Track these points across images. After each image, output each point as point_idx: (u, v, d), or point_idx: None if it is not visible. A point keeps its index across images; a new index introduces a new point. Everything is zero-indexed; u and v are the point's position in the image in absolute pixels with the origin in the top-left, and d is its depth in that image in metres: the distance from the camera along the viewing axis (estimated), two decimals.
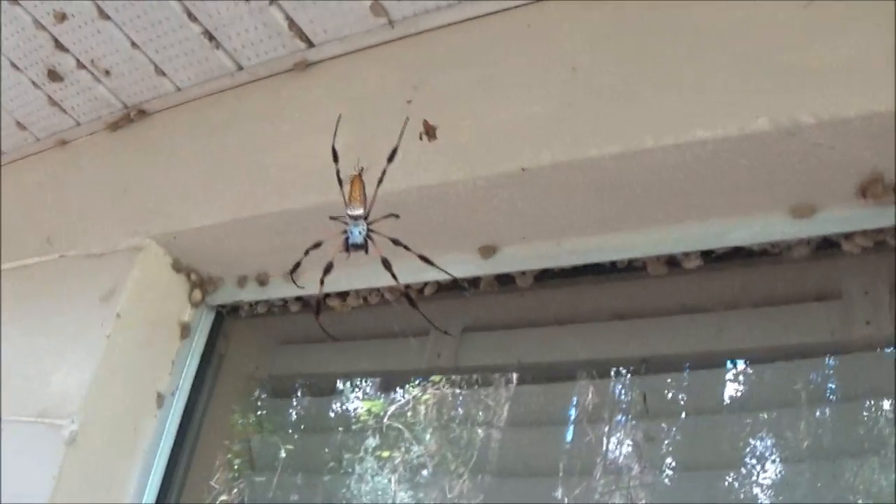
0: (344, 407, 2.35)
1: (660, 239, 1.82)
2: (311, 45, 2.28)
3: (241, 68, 2.40)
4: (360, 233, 1.60)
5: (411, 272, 2.05)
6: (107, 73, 2.52)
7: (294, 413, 2.43)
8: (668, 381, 1.88)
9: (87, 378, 2.14)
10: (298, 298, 2.33)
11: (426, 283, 2.11)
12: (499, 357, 2.10)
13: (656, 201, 1.76)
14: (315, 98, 2.26)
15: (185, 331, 2.36)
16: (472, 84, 1.95)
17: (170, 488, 2.27)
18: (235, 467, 2.36)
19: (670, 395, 1.88)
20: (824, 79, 1.53)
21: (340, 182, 1.64)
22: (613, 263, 1.90)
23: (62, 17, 2.39)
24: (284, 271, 2.27)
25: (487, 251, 1.99)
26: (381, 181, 1.61)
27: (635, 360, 1.92)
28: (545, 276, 2.00)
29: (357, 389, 2.35)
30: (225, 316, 2.47)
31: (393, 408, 2.22)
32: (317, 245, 1.66)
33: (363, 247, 1.60)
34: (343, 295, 2.24)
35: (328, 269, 1.62)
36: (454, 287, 2.06)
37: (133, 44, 2.41)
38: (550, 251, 1.93)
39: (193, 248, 2.31)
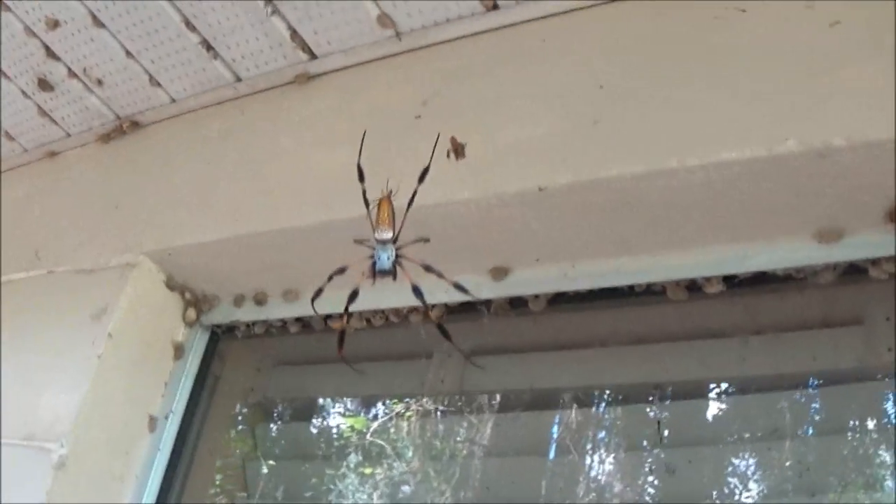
0: (341, 431, 2.27)
1: (680, 262, 1.76)
2: (313, 56, 2.21)
3: (239, 79, 2.33)
4: (388, 258, 1.51)
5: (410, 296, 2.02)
6: (99, 82, 2.44)
7: (291, 437, 2.34)
8: (688, 408, 1.82)
9: (78, 400, 2.05)
10: (298, 319, 2.25)
11: (433, 305, 2.04)
12: (507, 382, 2.03)
13: (678, 224, 1.70)
14: (317, 112, 2.20)
15: (179, 351, 2.28)
16: (486, 99, 1.89)
17: None
18: (231, 493, 2.28)
19: (689, 423, 1.81)
20: (855, 101, 1.48)
21: (367, 203, 1.55)
22: (631, 287, 1.84)
23: (55, 24, 2.32)
24: (284, 290, 2.21)
25: (499, 273, 1.93)
26: (411, 203, 1.53)
27: (649, 385, 1.86)
28: (559, 300, 1.93)
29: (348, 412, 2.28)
30: (220, 336, 2.39)
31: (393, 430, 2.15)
32: (341, 270, 1.58)
33: (391, 273, 1.51)
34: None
35: (353, 297, 1.53)
36: (462, 310, 1.99)
37: (128, 53, 2.34)
38: (565, 274, 1.87)
39: (188, 265, 2.23)
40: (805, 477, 1.64)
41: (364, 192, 1.55)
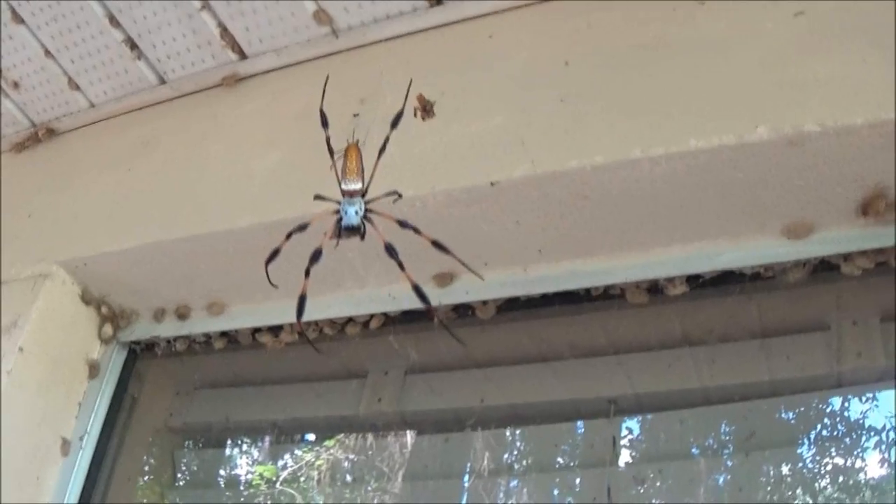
0: (274, 458, 2.13)
1: (641, 262, 1.68)
2: (243, 56, 2.10)
3: (164, 82, 2.21)
4: (356, 213, 1.35)
5: (352, 304, 1.90)
6: (16, 85, 2.29)
7: (215, 466, 2.19)
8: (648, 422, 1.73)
9: None
10: (223, 334, 2.11)
11: (372, 316, 1.92)
12: (453, 400, 1.91)
13: (639, 220, 1.62)
14: (247, 115, 2.09)
15: (94, 370, 2.12)
16: (431, 95, 1.78)
17: None
18: None
19: (650, 437, 1.72)
20: (827, 87, 1.45)
21: (332, 151, 1.42)
22: (587, 291, 1.75)
23: None
24: (208, 303, 2.07)
25: (444, 279, 1.82)
26: (383, 150, 1.40)
27: (604, 400, 1.77)
28: (510, 307, 1.83)
29: (287, 439, 2.14)
30: (139, 354, 2.23)
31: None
32: (301, 228, 1.41)
33: (359, 230, 1.36)
34: (275, 330, 2.03)
35: (315, 258, 1.34)
36: (403, 320, 1.88)
37: (47, 52, 2.21)
38: (516, 278, 1.78)
39: (105, 275, 2.08)
40: (775, 489, 1.56)
41: (328, 140, 1.43)
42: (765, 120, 1.44)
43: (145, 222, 2.00)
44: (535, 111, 1.66)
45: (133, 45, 2.13)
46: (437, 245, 1.38)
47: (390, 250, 1.33)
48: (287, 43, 2.04)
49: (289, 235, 1.41)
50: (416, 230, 1.36)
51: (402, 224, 1.37)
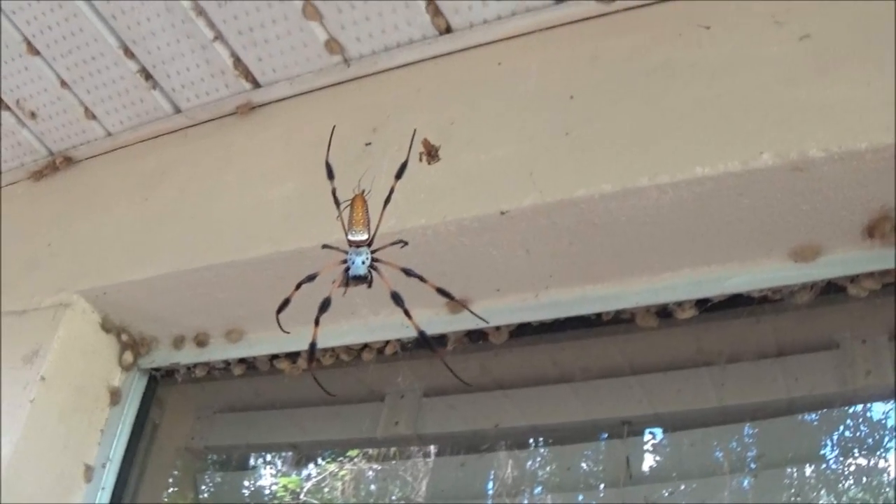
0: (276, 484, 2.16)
1: (650, 287, 1.69)
2: (257, 85, 2.13)
3: (179, 111, 2.24)
4: (363, 262, 1.37)
5: (367, 332, 1.92)
6: (33, 115, 2.33)
7: (237, 487, 2.22)
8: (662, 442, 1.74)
9: (9, 447, 1.92)
10: (242, 361, 2.13)
11: (388, 342, 1.94)
12: (468, 423, 1.92)
13: (647, 246, 1.63)
14: (261, 143, 2.11)
15: (116, 397, 2.15)
16: (441, 124, 1.81)
17: None
18: None
19: (664, 457, 1.73)
20: (831, 112, 1.44)
21: (338, 202, 1.43)
22: (598, 316, 1.76)
23: None
24: (227, 330, 2.09)
25: (457, 305, 1.82)
26: (388, 201, 1.41)
27: (618, 421, 1.78)
28: (522, 332, 1.84)
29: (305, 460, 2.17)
30: (159, 380, 2.25)
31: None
32: (310, 278, 1.43)
33: (366, 279, 1.37)
34: (293, 356, 2.05)
35: (324, 307, 1.36)
36: (417, 346, 1.90)
37: (63, 82, 2.24)
38: (528, 304, 1.79)
39: (125, 304, 2.11)
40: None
41: (334, 191, 1.44)
42: (769, 146, 1.44)
43: (163, 251, 2.02)
44: (542, 140, 1.67)
45: (148, 76, 2.16)
46: (441, 292, 1.39)
47: (396, 298, 1.34)
48: (300, 72, 2.07)
49: (298, 286, 1.42)
50: (421, 278, 1.37)
51: (408, 272, 1.38)
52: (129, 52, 2.12)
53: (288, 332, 1.48)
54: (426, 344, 1.42)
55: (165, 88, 2.19)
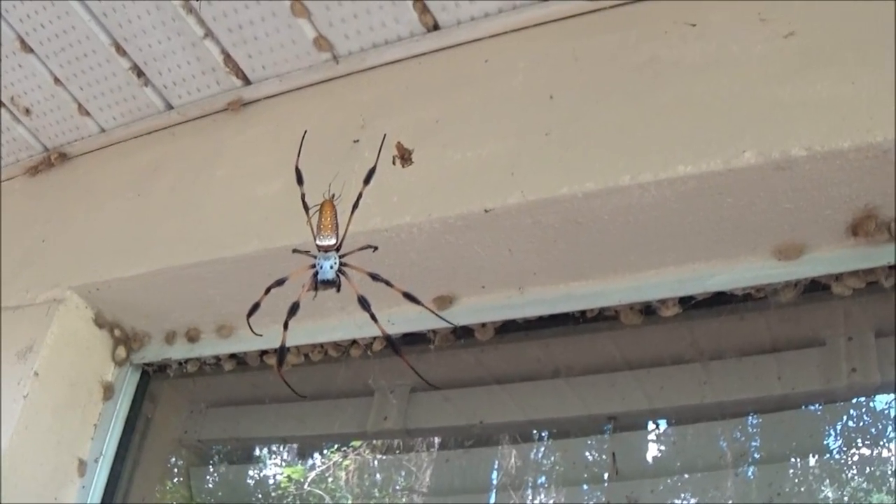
0: (280, 474, 2.16)
1: (634, 285, 1.69)
2: (247, 82, 2.14)
3: (171, 107, 2.25)
4: (331, 267, 1.38)
5: (355, 328, 1.92)
6: (27, 111, 2.34)
7: (227, 482, 2.23)
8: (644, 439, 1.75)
9: (3, 442, 1.94)
10: (233, 356, 2.14)
11: (375, 338, 1.94)
12: (454, 418, 1.93)
13: (631, 244, 1.64)
14: (251, 139, 2.12)
15: (109, 392, 2.16)
16: (427, 121, 1.82)
17: None
18: None
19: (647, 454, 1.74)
20: (815, 111, 1.45)
21: (307, 208, 1.44)
22: (583, 313, 1.76)
23: None
24: (218, 325, 2.10)
25: (443, 302, 1.84)
26: (356, 206, 1.42)
27: (603, 417, 1.79)
28: (507, 329, 1.85)
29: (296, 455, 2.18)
30: (151, 375, 2.26)
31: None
32: (279, 283, 1.44)
33: (334, 283, 1.38)
34: None
35: (293, 311, 1.37)
36: (403, 342, 1.90)
37: (56, 79, 2.26)
38: (513, 301, 1.79)
39: (118, 300, 2.12)
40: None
41: (303, 197, 1.44)
42: (752, 145, 1.44)
43: (154, 248, 2.04)
44: (527, 138, 1.67)
45: (140, 73, 2.18)
46: (408, 296, 1.40)
47: (363, 303, 1.35)
48: (289, 69, 2.08)
49: (267, 290, 1.44)
50: (387, 283, 1.38)
51: (374, 277, 1.39)
52: (120, 50, 2.13)
53: (260, 335, 1.52)
54: (392, 347, 1.44)
55: (157, 85, 2.20)
